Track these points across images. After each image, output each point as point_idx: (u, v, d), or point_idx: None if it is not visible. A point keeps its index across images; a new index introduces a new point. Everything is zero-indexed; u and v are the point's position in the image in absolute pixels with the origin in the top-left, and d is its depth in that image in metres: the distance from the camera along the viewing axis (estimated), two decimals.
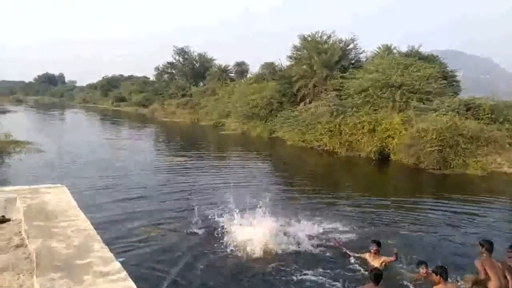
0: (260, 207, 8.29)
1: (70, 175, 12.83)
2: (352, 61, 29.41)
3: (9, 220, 4.31)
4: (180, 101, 47.34)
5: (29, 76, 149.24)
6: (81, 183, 11.67)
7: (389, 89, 21.31)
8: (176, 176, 14.31)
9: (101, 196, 10.52)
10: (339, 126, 20.79)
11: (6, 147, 17.27)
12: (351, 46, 29.57)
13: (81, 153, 18.08)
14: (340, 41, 29.26)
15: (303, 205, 10.61)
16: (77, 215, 4.10)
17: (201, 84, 55.23)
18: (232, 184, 12.43)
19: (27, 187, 5.19)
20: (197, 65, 58.47)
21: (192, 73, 57.91)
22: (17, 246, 3.40)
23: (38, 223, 3.74)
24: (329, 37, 29.39)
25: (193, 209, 8.92)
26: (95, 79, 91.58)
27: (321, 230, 8.41)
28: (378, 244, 6.74)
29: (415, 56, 26.38)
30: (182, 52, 59.30)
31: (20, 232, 3.72)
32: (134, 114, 51.58)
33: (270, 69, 38.05)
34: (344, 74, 25.65)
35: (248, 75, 47.32)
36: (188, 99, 47.05)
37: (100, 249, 3.26)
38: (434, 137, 16.50)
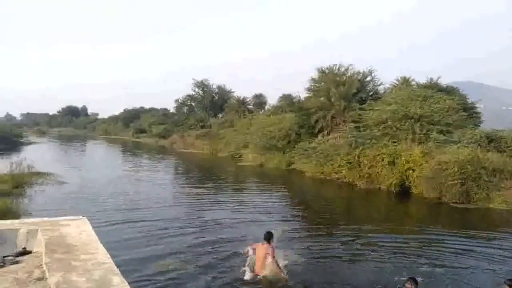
0: (277, 246, 8.17)
1: (90, 207, 12.95)
2: (370, 93, 29.47)
3: (30, 252, 4.36)
4: (199, 132, 47.89)
5: (53, 108, 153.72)
6: (101, 215, 11.75)
7: (408, 121, 21.18)
8: (194, 209, 14.32)
9: (120, 229, 10.55)
10: (358, 158, 20.62)
11: (28, 179, 17.63)
12: (369, 78, 29.73)
13: (101, 185, 18.30)
14: (358, 73, 29.48)
15: (321, 241, 10.44)
16: (97, 248, 4.13)
17: (220, 115, 56.01)
18: (249, 218, 12.41)
19: (48, 219, 5.27)
20: (216, 97, 59.51)
21: (211, 105, 58.88)
22: (38, 279, 3.42)
23: (59, 256, 3.77)
24: (347, 69, 29.65)
25: (212, 243, 8.89)
26: (117, 111, 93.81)
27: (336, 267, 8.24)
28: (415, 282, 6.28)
29: (434, 87, 26.29)
30: (201, 84, 60.54)
31: (41, 265, 3.75)
32: (154, 146, 52.32)
33: (287, 101, 38.39)
34: (363, 106, 25.66)
35: (266, 107, 47.83)
36: (207, 130, 47.59)
37: (119, 283, 3.25)
38: (456, 169, 16.16)
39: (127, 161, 32.81)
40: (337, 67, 29.67)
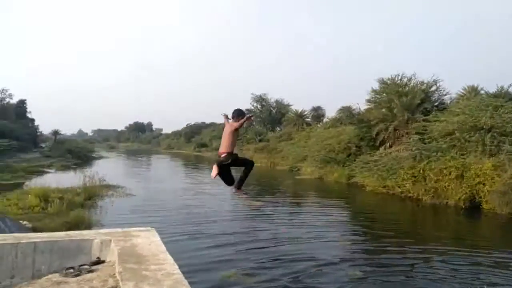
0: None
1: (156, 219, 13.45)
2: (436, 103, 28.19)
3: (103, 261, 4.61)
4: (257, 146, 48.40)
5: (121, 124, 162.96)
6: (166, 227, 12.17)
7: (478, 132, 19.98)
8: (253, 223, 14.41)
9: (184, 241, 10.84)
10: (423, 171, 19.73)
11: (99, 191, 18.69)
12: (434, 87, 28.50)
13: (166, 198, 18.99)
14: (422, 83, 28.36)
15: (387, 258, 10.06)
16: (165, 259, 4.28)
17: (278, 129, 56.27)
18: (309, 233, 12.27)
19: (120, 230, 5.55)
20: (274, 111, 59.93)
21: (269, 119, 59.36)
22: None
23: (131, 265, 3.96)
24: (410, 79, 28.66)
25: (273, 259, 8.88)
26: (179, 126, 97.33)
27: None
28: None
29: (505, 96, 24.65)
30: (260, 99, 61.32)
31: (114, 274, 3.95)
32: (214, 159, 53.24)
33: (347, 113, 37.78)
34: (427, 117, 24.61)
35: (325, 120, 47.35)
36: (265, 144, 47.97)
37: None
38: None
39: (189, 174, 33.83)
40: (399, 77, 28.79)
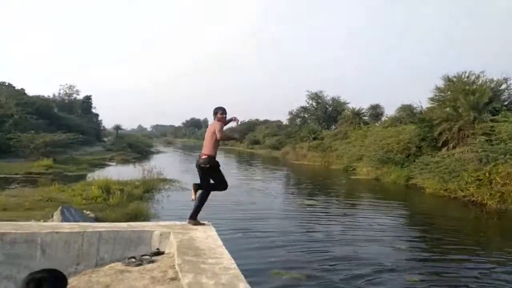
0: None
1: (210, 214, 13.60)
2: (505, 103, 26.39)
3: (163, 253, 4.71)
4: (311, 144, 47.89)
5: (178, 120, 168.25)
6: (220, 223, 12.31)
7: None
8: (306, 222, 14.22)
9: (237, 237, 10.87)
10: (489, 174, 18.52)
11: (157, 185, 19.30)
12: (504, 86, 26.68)
13: (219, 193, 19.18)
14: (491, 81, 26.64)
15: (450, 267, 9.52)
16: (222, 253, 4.29)
17: (333, 127, 55.35)
18: (364, 235, 11.91)
19: (179, 223, 5.66)
20: (330, 109, 59.01)
21: (324, 116, 58.55)
22: (172, 279, 3.65)
23: (189, 258, 3.99)
24: (478, 77, 27.03)
25: (324, 260, 8.68)
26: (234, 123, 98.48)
27: None
28: None
29: None
30: (315, 96, 60.60)
31: (173, 265, 4.01)
32: (267, 156, 53.72)
33: (407, 111, 36.37)
34: (495, 117, 23.09)
35: (383, 118, 45.95)
36: (319, 142, 47.36)
37: None
38: None
39: (242, 171, 34.13)
40: (466, 75, 27.23)
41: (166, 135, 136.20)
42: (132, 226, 5.23)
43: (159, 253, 4.61)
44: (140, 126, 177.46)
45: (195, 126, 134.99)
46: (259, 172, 34.31)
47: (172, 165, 32.29)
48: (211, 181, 5.91)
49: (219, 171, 5.85)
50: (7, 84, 57.46)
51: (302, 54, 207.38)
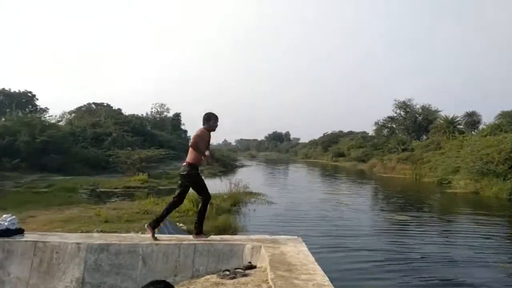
0: None
1: (298, 229, 13.51)
2: None
3: (255, 267, 4.72)
4: (400, 156, 45.70)
5: (261, 134, 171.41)
6: (307, 238, 12.14)
7: None
8: (398, 239, 13.40)
9: (326, 253, 10.58)
10: None
11: (243, 198, 19.67)
12: None
13: (305, 207, 19.05)
14: None
15: None
16: (315, 269, 4.18)
17: (424, 137, 52.38)
18: (464, 255, 10.97)
19: (269, 236, 5.66)
20: (420, 118, 56.00)
21: (414, 126, 55.71)
22: None
23: (282, 273, 3.95)
24: None
25: (421, 283, 8.09)
26: (316, 135, 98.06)
27: None
28: None
29: None
30: (403, 105, 57.97)
31: (267, 280, 3.99)
32: (352, 169, 52.30)
33: (508, 118, 33.24)
34: None
35: (481, 126, 42.49)
36: (409, 153, 45.03)
37: None
38: None
39: (327, 185, 33.57)
40: None
41: (250, 149, 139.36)
42: (224, 239, 5.33)
43: (251, 266, 4.63)
44: (225, 141, 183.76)
45: (277, 139, 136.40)
46: (345, 185, 33.45)
47: (256, 179, 32.82)
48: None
49: (200, 179, 5.66)
50: (105, 104, 63.36)
51: (388, 62, 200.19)
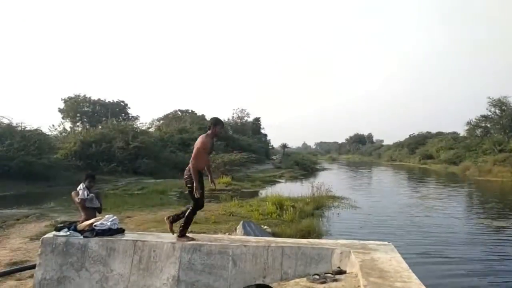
0: None
1: (384, 234, 12.99)
2: None
3: (345, 272, 4.62)
4: (497, 157, 42.01)
5: (342, 137, 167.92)
6: (397, 245, 11.61)
7: None
8: (502, 248, 12.30)
9: (421, 263, 9.97)
10: None
11: (326, 202, 19.38)
12: None
13: (392, 212, 18.24)
14: None
15: None
16: (410, 277, 3.99)
17: None
18: None
19: (358, 242, 5.51)
20: None
21: (511, 125, 50.97)
22: None
23: (374, 279, 3.82)
24: None
25: None
26: (401, 137, 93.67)
27: None
28: None
29: None
30: (499, 103, 53.27)
31: (358, 286, 3.89)
32: (442, 172, 49.10)
33: None
34: None
35: None
36: (507, 155, 41.23)
37: None
38: None
39: (414, 189, 31.86)
40: None
41: (330, 152, 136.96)
42: (312, 243, 5.30)
43: (341, 272, 4.55)
44: (304, 144, 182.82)
45: (359, 142, 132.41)
46: (435, 189, 31.49)
47: (339, 182, 32.18)
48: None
49: (190, 185, 5.49)
50: (190, 111, 66.44)
51: (481, 59, 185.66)
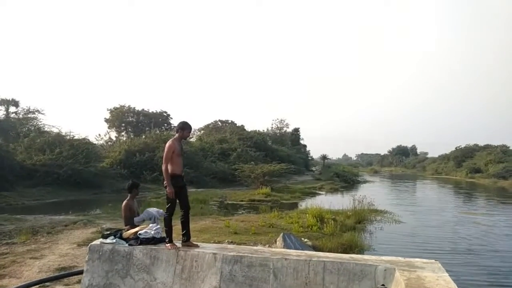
0: None
1: (429, 251, 12.51)
2: None
3: None
4: None
5: (384, 149, 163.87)
6: (443, 262, 11.14)
7: None
8: None
9: (475, 284, 9.56)
10: None
11: (368, 215, 18.92)
12: None
13: (438, 228, 17.55)
14: None
15: None
16: None
17: None
18: None
19: (402, 259, 5.33)
20: None
21: None
22: None
23: None
24: None
25: None
26: (447, 150, 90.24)
27: None
28: None
29: None
30: None
31: None
32: (491, 187, 46.76)
33: None
34: None
35: None
36: None
37: None
38: None
39: (462, 204, 30.50)
40: None
41: (372, 164, 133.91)
42: (354, 258, 5.18)
43: None
44: (345, 155, 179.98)
45: (403, 154, 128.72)
46: (484, 205, 29.98)
47: (381, 195, 31.35)
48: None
49: (177, 192, 5.72)
50: (230, 121, 67.20)
51: None
